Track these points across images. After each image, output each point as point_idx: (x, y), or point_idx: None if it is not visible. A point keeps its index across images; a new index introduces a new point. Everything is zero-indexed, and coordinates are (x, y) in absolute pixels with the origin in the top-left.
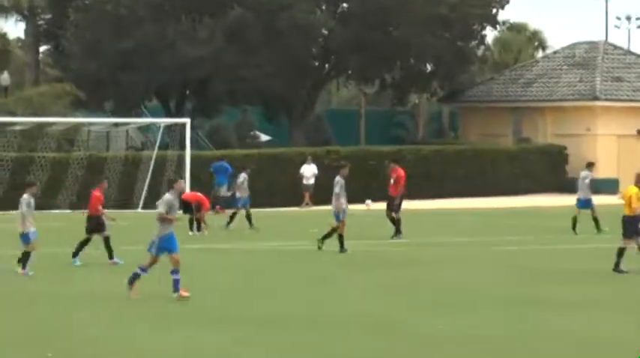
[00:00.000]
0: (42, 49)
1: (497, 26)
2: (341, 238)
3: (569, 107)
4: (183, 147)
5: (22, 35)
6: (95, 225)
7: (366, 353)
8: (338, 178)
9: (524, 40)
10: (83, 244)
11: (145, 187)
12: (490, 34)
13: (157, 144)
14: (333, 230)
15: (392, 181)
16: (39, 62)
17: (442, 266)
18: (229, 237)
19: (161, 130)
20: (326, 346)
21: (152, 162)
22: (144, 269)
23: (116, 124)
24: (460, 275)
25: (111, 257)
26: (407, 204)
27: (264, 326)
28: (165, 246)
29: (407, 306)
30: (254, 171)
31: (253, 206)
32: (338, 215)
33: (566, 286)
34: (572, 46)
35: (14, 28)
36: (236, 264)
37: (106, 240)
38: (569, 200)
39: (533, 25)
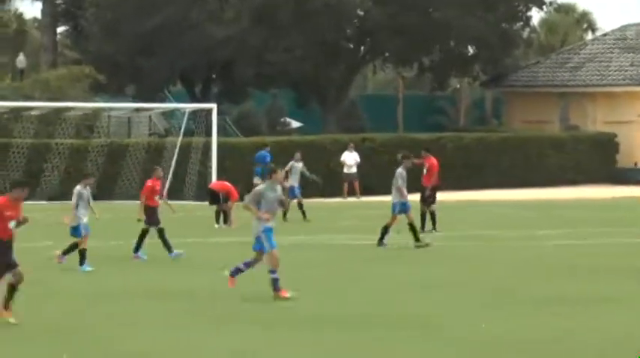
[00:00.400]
0: (60, 29)
1: (544, 7)
2: (385, 230)
3: (620, 92)
4: (209, 133)
5: (38, 15)
6: (153, 217)
7: (403, 353)
8: (400, 170)
9: (572, 22)
10: (143, 236)
11: (169, 176)
12: (536, 15)
13: (182, 130)
14: (410, 225)
15: (424, 171)
16: (56, 44)
17: (483, 261)
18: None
19: (186, 116)
20: (364, 347)
21: (176, 150)
22: (248, 264)
23: (138, 110)
24: (503, 271)
25: (170, 251)
26: (447, 196)
27: (294, 326)
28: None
29: (446, 305)
30: (284, 162)
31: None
32: (395, 207)
33: (617, 283)
34: (623, 28)
35: (31, 8)
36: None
37: (160, 232)
38: (619, 191)
39: (581, 6)
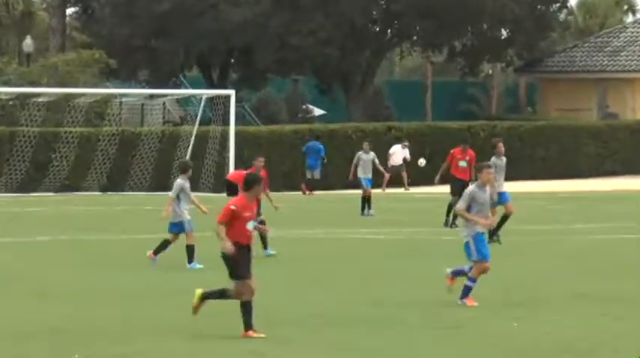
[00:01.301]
0: (69, 11)
1: None
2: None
3: None
4: (227, 122)
5: None
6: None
7: (431, 353)
8: (494, 159)
9: (611, 3)
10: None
11: None
12: None
13: (198, 118)
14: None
15: (465, 164)
16: (66, 26)
17: (513, 257)
18: (274, 224)
19: (202, 103)
20: (386, 346)
21: (192, 139)
22: (474, 280)
23: (151, 96)
24: (535, 267)
25: (265, 247)
26: None
27: (313, 325)
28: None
29: (476, 302)
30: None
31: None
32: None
33: None
34: None
35: None
36: (285, 255)
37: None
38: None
39: None
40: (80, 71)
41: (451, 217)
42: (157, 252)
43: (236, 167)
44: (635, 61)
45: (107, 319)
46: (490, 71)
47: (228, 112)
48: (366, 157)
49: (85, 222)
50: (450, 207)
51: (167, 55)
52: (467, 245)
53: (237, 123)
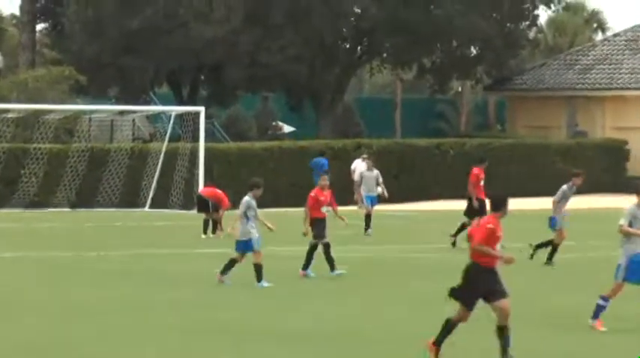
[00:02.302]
0: (39, 27)
1: (552, 6)
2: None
3: (632, 97)
4: (196, 138)
5: (17, 12)
6: (320, 231)
7: None
8: (565, 188)
9: (581, 22)
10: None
11: (154, 184)
12: (543, 14)
13: (168, 135)
14: (550, 241)
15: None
16: (35, 42)
17: None
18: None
19: (172, 120)
20: None
21: (162, 156)
22: (606, 299)
23: (121, 113)
24: (507, 284)
25: (332, 269)
26: (448, 205)
27: (286, 342)
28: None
29: (438, 320)
30: (274, 169)
31: (274, 205)
32: (555, 222)
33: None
34: (636, 28)
35: (8, 5)
36: (253, 273)
37: (326, 248)
38: (628, 202)
39: (591, 5)
40: (50, 87)
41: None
42: (224, 271)
43: (205, 184)
44: (604, 79)
45: (79, 335)
46: (459, 89)
47: (197, 129)
48: (369, 174)
49: (54, 239)
50: (463, 226)
51: (137, 71)
52: (619, 266)
53: (206, 139)
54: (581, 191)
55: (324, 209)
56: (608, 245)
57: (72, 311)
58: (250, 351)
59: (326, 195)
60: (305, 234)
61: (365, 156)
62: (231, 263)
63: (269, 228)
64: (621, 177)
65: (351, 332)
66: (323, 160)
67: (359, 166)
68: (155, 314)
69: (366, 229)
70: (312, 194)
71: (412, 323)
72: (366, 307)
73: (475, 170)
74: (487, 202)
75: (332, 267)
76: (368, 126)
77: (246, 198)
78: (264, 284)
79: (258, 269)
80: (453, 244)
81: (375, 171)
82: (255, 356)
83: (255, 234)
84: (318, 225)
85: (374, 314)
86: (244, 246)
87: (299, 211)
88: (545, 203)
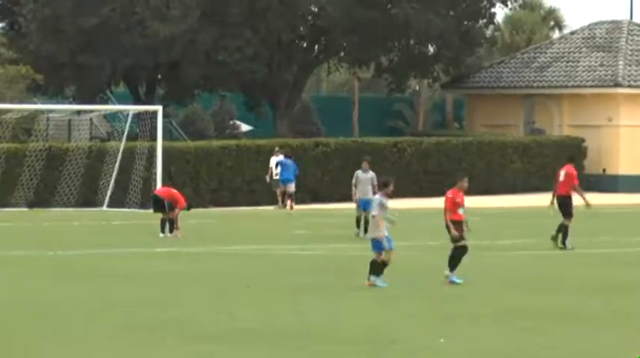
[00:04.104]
0: None
1: (508, 3)
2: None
3: (589, 94)
4: (154, 137)
5: None
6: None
7: None
8: None
9: (538, 19)
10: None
11: (112, 183)
12: (500, 12)
13: (125, 134)
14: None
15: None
16: None
17: (438, 273)
18: (203, 240)
19: (129, 119)
20: None
21: (119, 155)
22: None
23: (78, 112)
24: (465, 283)
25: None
26: (405, 203)
27: (239, 340)
28: None
29: (403, 318)
30: (232, 167)
31: (230, 204)
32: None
33: (581, 297)
34: (592, 26)
35: None
36: (210, 271)
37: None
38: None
39: (548, 3)
40: (7, 87)
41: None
42: (375, 274)
43: (163, 183)
44: (561, 77)
45: (35, 335)
46: (417, 87)
47: (155, 128)
48: (364, 177)
49: (12, 238)
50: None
51: (94, 70)
52: None
53: (164, 138)
54: (539, 188)
55: (460, 210)
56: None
57: (28, 310)
58: (208, 351)
59: (462, 196)
60: (456, 239)
61: (277, 149)
62: (377, 265)
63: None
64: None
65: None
66: (291, 161)
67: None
68: (113, 313)
69: (359, 231)
70: (450, 195)
71: (377, 321)
72: (327, 306)
73: (573, 169)
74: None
75: (452, 268)
76: (325, 124)
77: (378, 196)
78: (380, 284)
79: (379, 267)
80: (561, 248)
81: (370, 173)
82: (212, 355)
83: (385, 232)
84: (457, 227)
85: (334, 313)
86: (380, 245)
87: (253, 209)
88: (503, 200)
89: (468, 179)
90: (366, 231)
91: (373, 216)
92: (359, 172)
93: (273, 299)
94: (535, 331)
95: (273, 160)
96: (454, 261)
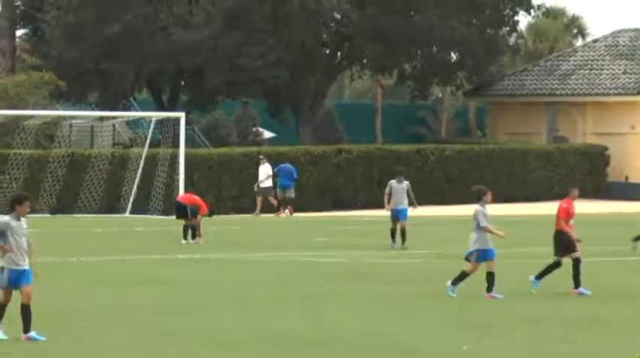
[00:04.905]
0: (19, 33)
1: (532, 11)
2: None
3: (612, 102)
4: (176, 144)
5: None
6: (566, 245)
7: None
8: None
9: (561, 27)
10: (552, 268)
11: (134, 189)
12: (523, 20)
13: (148, 140)
14: None
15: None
16: (15, 48)
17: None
18: (226, 246)
19: (152, 125)
20: None
21: (142, 161)
22: None
23: (101, 118)
24: (483, 290)
25: (577, 285)
26: (427, 211)
27: (261, 347)
28: None
29: (425, 325)
30: (254, 174)
31: (252, 210)
32: None
33: (605, 304)
34: (616, 34)
35: None
36: (232, 277)
37: (576, 263)
38: (608, 206)
39: (571, 10)
40: (30, 93)
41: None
42: (489, 289)
43: (186, 189)
44: (584, 85)
45: (59, 341)
46: (440, 94)
47: (177, 134)
48: (398, 186)
49: (35, 245)
50: None
51: (117, 76)
52: None
53: (186, 145)
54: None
55: (571, 221)
56: (589, 250)
57: (51, 316)
58: (230, 357)
59: (574, 206)
60: (572, 246)
61: (261, 156)
62: (490, 277)
63: (499, 235)
64: (602, 182)
65: (334, 338)
66: (291, 167)
67: (261, 169)
68: (136, 319)
69: (394, 242)
70: (564, 205)
71: (397, 329)
72: (348, 314)
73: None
74: None
75: (577, 284)
76: (348, 131)
77: (478, 207)
78: (497, 295)
79: (463, 276)
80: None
81: (405, 183)
82: None
83: (490, 243)
84: (565, 239)
85: (355, 321)
86: (484, 256)
87: (278, 216)
88: (526, 208)
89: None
90: (401, 241)
91: (482, 227)
92: (393, 182)
93: (294, 305)
94: (563, 339)
95: (262, 169)
96: (576, 272)
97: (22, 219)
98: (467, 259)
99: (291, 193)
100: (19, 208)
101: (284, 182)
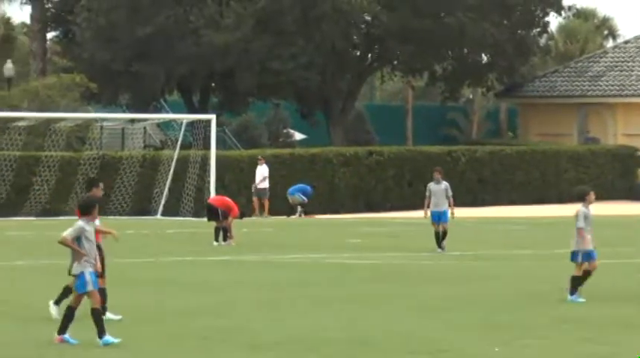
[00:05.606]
0: (50, 35)
1: (562, 12)
2: None
3: None
4: (207, 146)
5: (27, 20)
6: None
7: None
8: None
9: (592, 28)
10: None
11: (165, 191)
12: (554, 21)
13: (179, 142)
14: None
15: None
16: (46, 50)
17: (490, 281)
18: (257, 248)
19: (183, 127)
20: None
21: (173, 163)
22: None
23: (132, 120)
24: (515, 291)
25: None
26: (459, 212)
27: (293, 349)
28: None
29: (456, 326)
30: (285, 176)
31: (283, 212)
32: None
33: (632, 305)
34: None
35: (19, 12)
36: (264, 279)
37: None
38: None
39: (602, 11)
40: (61, 95)
41: None
42: (573, 292)
43: (217, 191)
44: (615, 86)
45: (92, 342)
46: (471, 95)
47: (208, 136)
48: (437, 188)
49: (67, 247)
50: None
51: (148, 78)
52: None
53: (217, 147)
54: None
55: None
56: (622, 252)
57: (81, 318)
58: None
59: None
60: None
61: (259, 157)
62: (578, 279)
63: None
64: (633, 184)
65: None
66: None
67: (258, 171)
68: (166, 321)
69: (439, 245)
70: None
71: (427, 330)
72: (379, 315)
73: None
74: None
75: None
76: (379, 133)
77: (581, 207)
78: (578, 299)
79: (577, 281)
80: None
81: (444, 184)
82: None
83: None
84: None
85: (386, 322)
86: (588, 256)
87: (308, 218)
88: (557, 210)
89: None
90: (440, 242)
91: (579, 229)
92: (431, 184)
93: (326, 308)
94: (595, 340)
95: (259, 170)
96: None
97: (91, 223)
98: (573, 261)
99: (301, 199)
100: (94, 212)
101: (297, 187)
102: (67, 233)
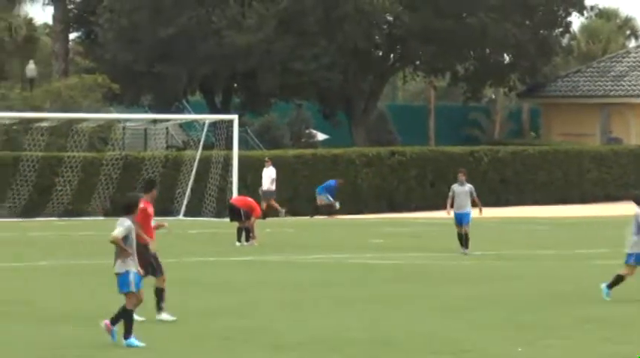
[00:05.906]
0: (72, 36)
1: (585, 12)
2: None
3: None
4: (230, 146)
5: (49, 21)
6: None
7: None
8: None
9: (614, 28)
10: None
11: (188, 192)
12: (576, 21)
13: (201, 143)
14: None
15: None
16: (68, 51)
17: (513, 281)
18: (279, 248)
19: (205, 128)
20: None
21: (195, 164)
22: None
23: (155, 121)
24: (538, 291)
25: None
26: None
27: (316, 349)
28: None
29: (478, 326)
30: (308, 176)
31: (306, 213)
32: None
33: None
34: None
35: (41, 13)
36: (286, 280)
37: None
38: None
39: (624, 11)
40: (83, 96)
41: None
42: (610, 286)
43: (239, 192)
44: (638, 86)
45: (109, 343)
46: (493, 96)
47: (231, 137)
48: (461, 189)
49: (89, 247)
50: None
51: (170, 79)
52: None
53: (240, 147)
54: (617, 198)
55: None
56: None
57: (104, 318)
58: None
59: None
60: None
61: (266, 159)
62: (622, 279)
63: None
64: None
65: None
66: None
67: (265, 173)
68: (189, 321)
69: (463, 248)
70: None
71: (450, 330)
72: (401, 315)
73: None
74: None
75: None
76: (401, 133)
77: (638, 210)
78: (607, 297)
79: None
80: None
81: (468, 186)
82: None
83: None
84: None
85: (409, 322)
86: (638, 259)
87: (330, 219)
88: (580, 210)
89: None
90: (462, 244)
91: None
92: (455, 186)
93: (348, 308)
94: (618, 340)
95: (266, 172)
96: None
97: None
98: (628, 264)
99: (328, 199)
100: (137, 211)
101: (322, 188)
102: (119, 232)
